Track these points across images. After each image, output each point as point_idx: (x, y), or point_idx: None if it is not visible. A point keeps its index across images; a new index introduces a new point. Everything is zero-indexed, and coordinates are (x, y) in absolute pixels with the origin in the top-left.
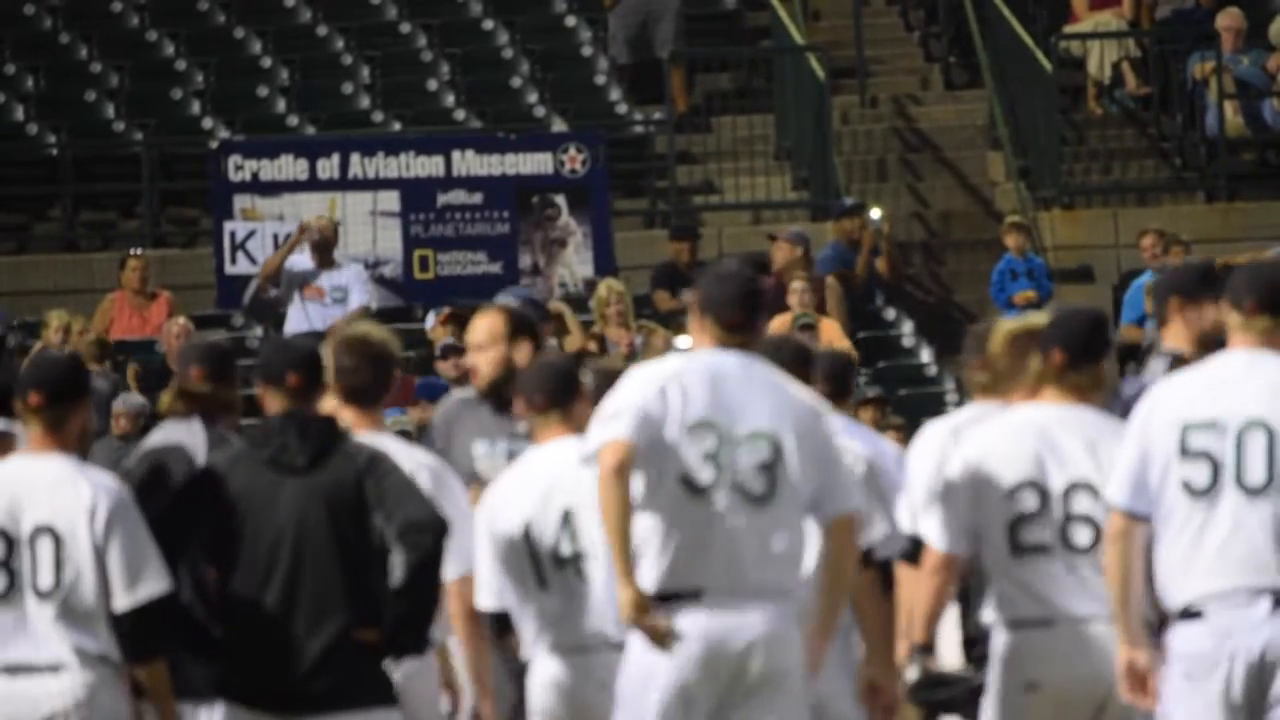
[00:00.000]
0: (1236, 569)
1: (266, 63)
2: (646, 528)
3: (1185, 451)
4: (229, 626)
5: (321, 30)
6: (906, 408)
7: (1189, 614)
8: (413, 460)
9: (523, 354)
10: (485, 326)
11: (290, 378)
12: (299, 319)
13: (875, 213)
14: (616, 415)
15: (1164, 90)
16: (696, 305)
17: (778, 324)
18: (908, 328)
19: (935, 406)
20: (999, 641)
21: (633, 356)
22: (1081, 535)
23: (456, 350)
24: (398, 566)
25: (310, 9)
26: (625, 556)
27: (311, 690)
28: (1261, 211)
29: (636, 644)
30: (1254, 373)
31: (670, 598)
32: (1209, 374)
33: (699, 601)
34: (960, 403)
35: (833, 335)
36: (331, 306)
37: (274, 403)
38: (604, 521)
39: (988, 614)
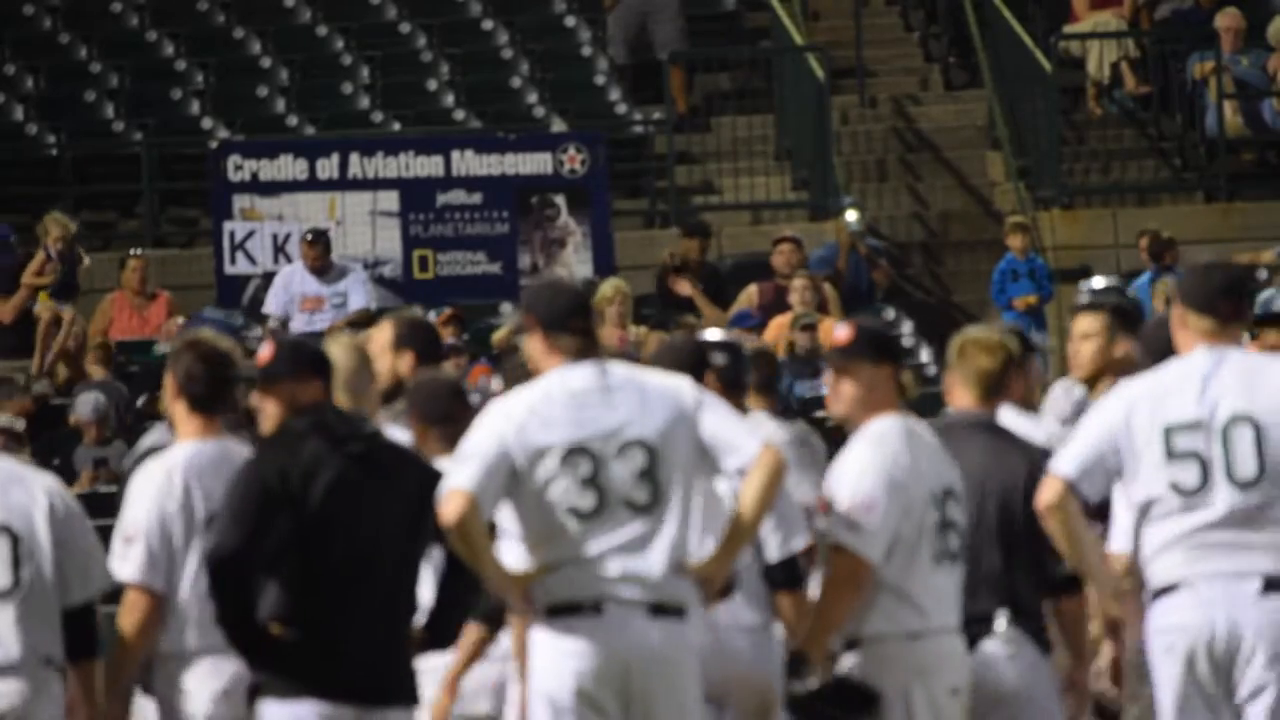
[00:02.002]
0: (1224, 554)
1: (266, 63)
2: (532, 552)
3: (1172, 454)
4: (323, 622)
5: (321, 30)
6: (906, 408)
7: (1173, 588)
8: None
9: (405, 364)
10: (376, 336)
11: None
12: (303, 329)
13: (851, 215)
14: (466, 459)
15: (1164, 90)
16: (540, 324)
17: (778, 324)
18: (907, 328)
19: (935, 407)
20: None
21: (626, 356)
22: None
23: (457, 350)
24: (445, 561)
25: (310, 9)
26: (498, 568)
27: (399, 684)
28: (1261, 211)
29: (541, 650)
30: (1223, 369)
31: (564, 610)
32: (1177, 374)
33: (598, 614)
34: None
35: (827, 335)
36: (331, 313)
37: (272, 408)
38: (465, 558)
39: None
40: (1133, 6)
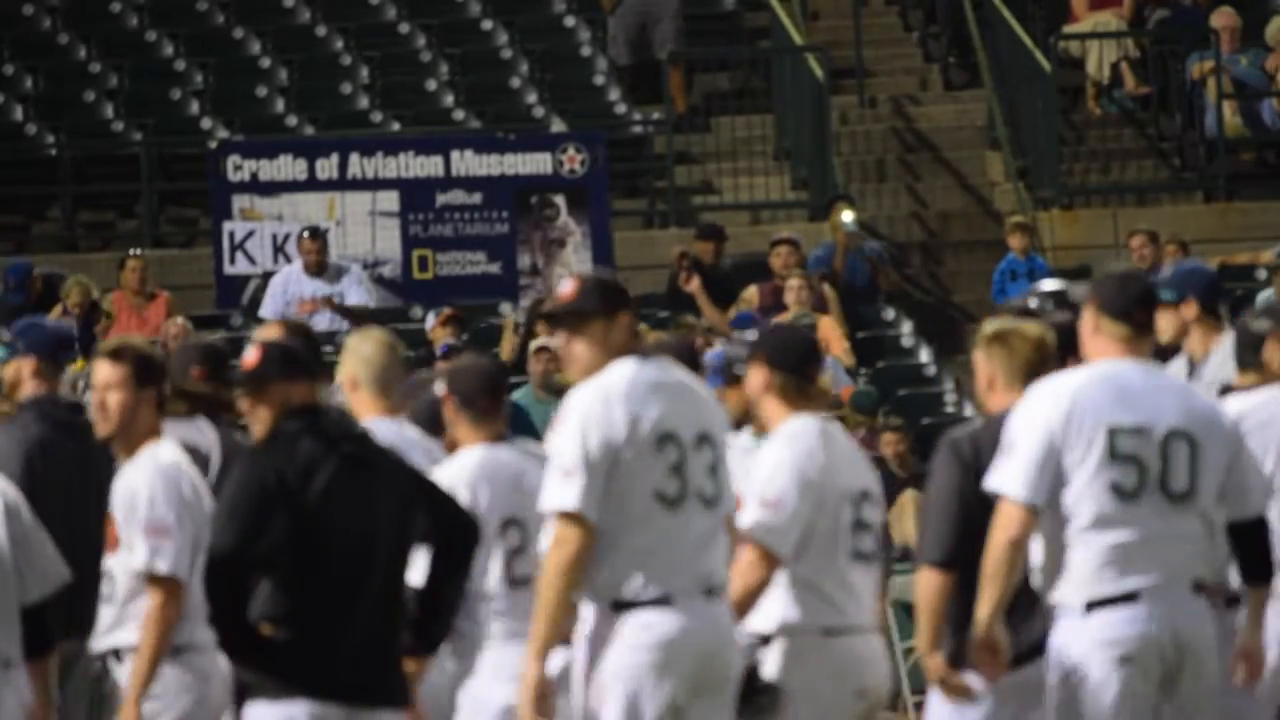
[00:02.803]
0: (1161, 565)
1: (266, 63)
2: (615, 540)
3: (1115, 455)
4: (319, 622)
5: (321, 30)
6: (906, 408)
7: (1118, 600)
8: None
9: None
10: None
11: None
12: None
13: (847, 215)
14: (570, 473)
15: (1163, 90)
16: (626, 314)
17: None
18: (907, 328)
19: (934, 406)
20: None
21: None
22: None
23: (457, 350)
24: (433, 562)
25: (310, 9)
26: (553, 633)
27: (390, 685)
28: (1260, 211)
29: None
30: (1157, 382)
31: (637, 604)
32: (1113, 380)
33: (665, 606)
34: (959, 403)
35: (830, 334)
36: (329, 315)
37: (264, 411)
38: (549, 595)
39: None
40: (1132, 6)
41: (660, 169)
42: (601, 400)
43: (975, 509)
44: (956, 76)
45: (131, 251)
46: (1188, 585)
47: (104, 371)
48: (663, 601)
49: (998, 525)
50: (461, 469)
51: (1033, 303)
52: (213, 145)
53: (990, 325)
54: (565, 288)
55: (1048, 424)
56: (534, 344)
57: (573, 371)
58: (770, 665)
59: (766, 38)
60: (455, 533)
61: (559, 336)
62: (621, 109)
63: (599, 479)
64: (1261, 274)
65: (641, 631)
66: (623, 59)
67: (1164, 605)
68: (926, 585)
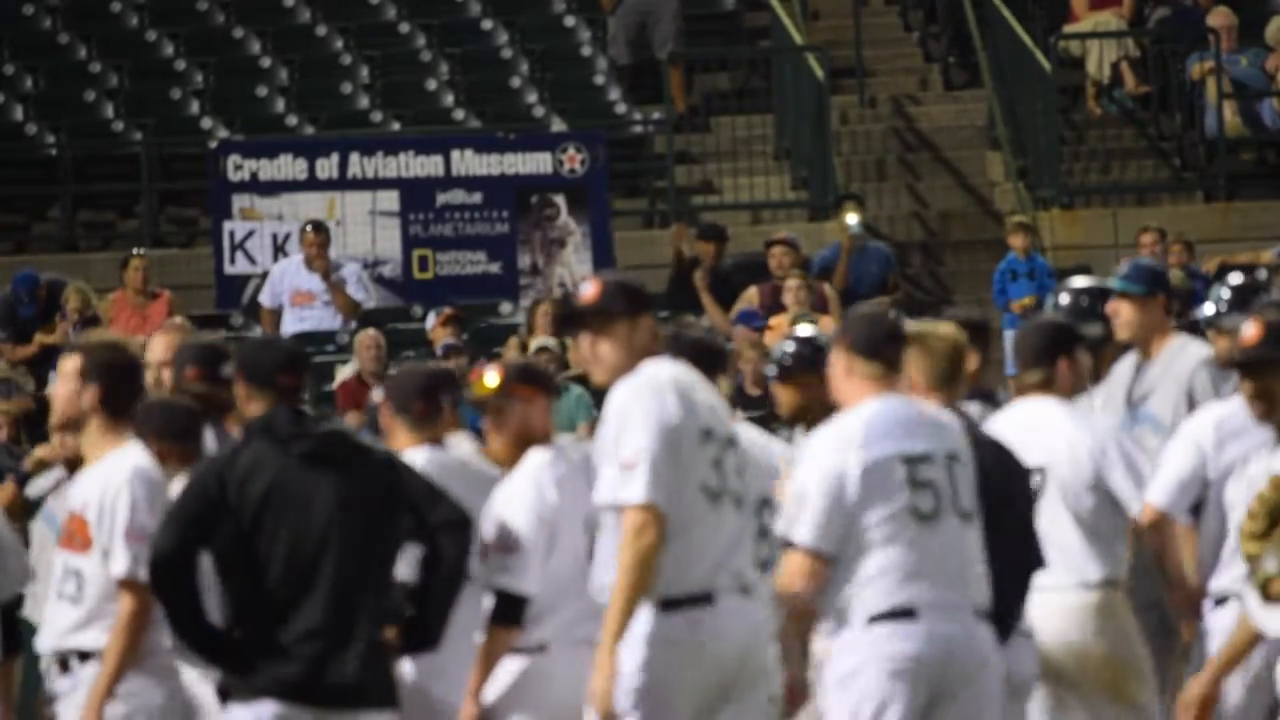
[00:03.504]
0: (946, 583)
1: (266, 63)
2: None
3: (912, 482)
4: (272, 624)
5: (321, 30)
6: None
7: (897, 614)
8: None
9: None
10: (64, 364)
11: (282, 379)
12: (294, 325)
13: (852, 218)
14: (634, 465)
15: (1163, 90)
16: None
17: (776, 324)
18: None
19: None
20: None
21: None
22: None
23: (457, 350)
24: (427, 562)
25: (310, 9)
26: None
27: (360, 685)
28: (1260, 211)
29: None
30: (919, 413)
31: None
32: (890, 415)
33: (708, 603)
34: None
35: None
36: (323, 309)
37: (259, 404)
38: (629, 585)
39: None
40: (1133, 6)
41: (660, 169)
42: (653, 391)
43: None
44: (957, 76)
45: (134, 251)
46: (970, 605)
47: (64, 363)
48: (705, 599)
49: (788, 573)
50: None
51: (1064, 299)
52: (213, 145)
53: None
54: (588, 289)
55: (836, 469)
56: (534, 343)
57: (598, 373)
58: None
59: (766, 37)
60: (446, 531)
61: (583, 338)
62: (622, 109)
63: (666, 468)
64: (1262, 274)
65: (686, 630)
66: (623, 59)
67: (943, 623)
68: None
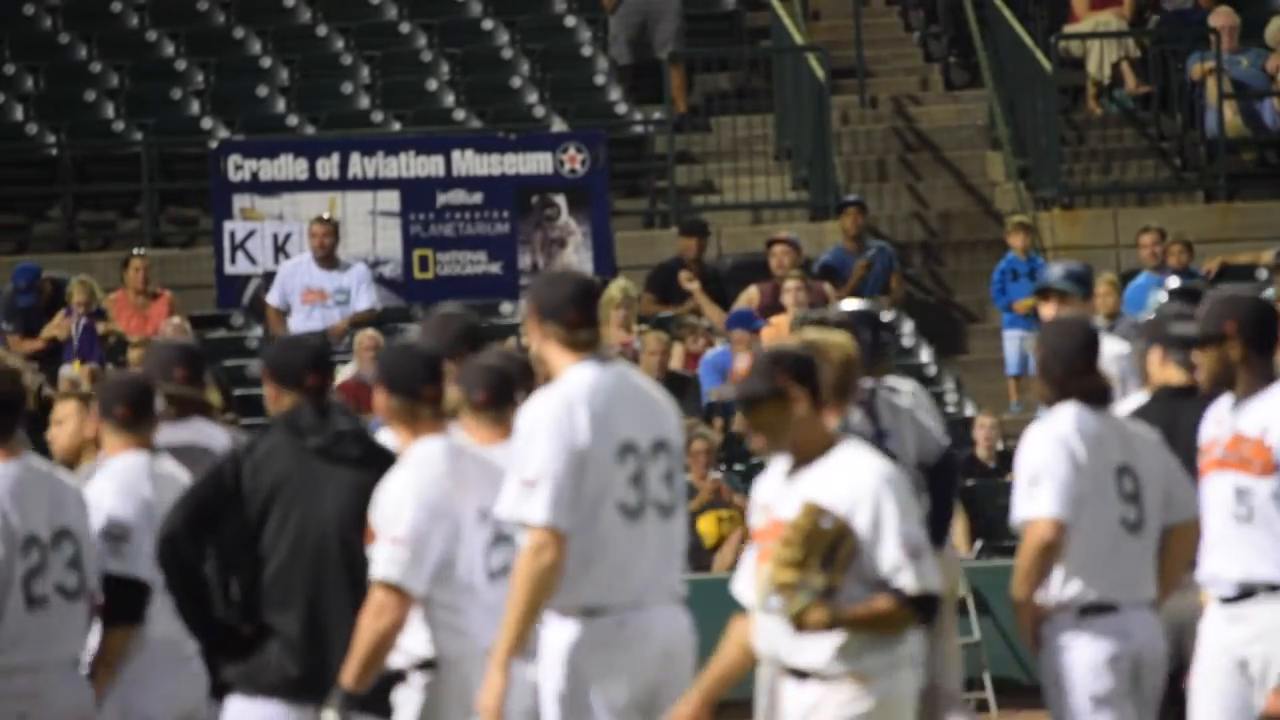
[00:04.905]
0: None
1: (266, 63)
2: (578, 546)
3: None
4: (277, 618)
5: (321, 30)
6: None
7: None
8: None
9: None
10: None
11: (309, 377)
12: (303, 324)
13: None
14: (537, 483)
15: (1163, 90)
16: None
17: (777, 324)
18: (908, 328)
19: (935, 406)
20: None
21: (633, 359)
22: None
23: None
24: None
25: (310, 9)
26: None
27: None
28: (1261, 211)
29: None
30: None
31: (598, 611)
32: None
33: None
34: (960, 402)
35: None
36: (334, 309)
37: (287, 403)
38: (523, 603)
39: None
40: (1133, 6)
41: (661, 169)
42: (565, 408)
43: None
44: (957, 76)
45: (135, 251)
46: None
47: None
48: (635, 607)
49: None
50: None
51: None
52: (213, 145)
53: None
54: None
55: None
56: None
57: (543, 374)
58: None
59: (767, 37)
60: None
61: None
62: (622, 109)
63: (569, 489)
64: (1262, 274)
65: (613, 631)
66: (623, 59)
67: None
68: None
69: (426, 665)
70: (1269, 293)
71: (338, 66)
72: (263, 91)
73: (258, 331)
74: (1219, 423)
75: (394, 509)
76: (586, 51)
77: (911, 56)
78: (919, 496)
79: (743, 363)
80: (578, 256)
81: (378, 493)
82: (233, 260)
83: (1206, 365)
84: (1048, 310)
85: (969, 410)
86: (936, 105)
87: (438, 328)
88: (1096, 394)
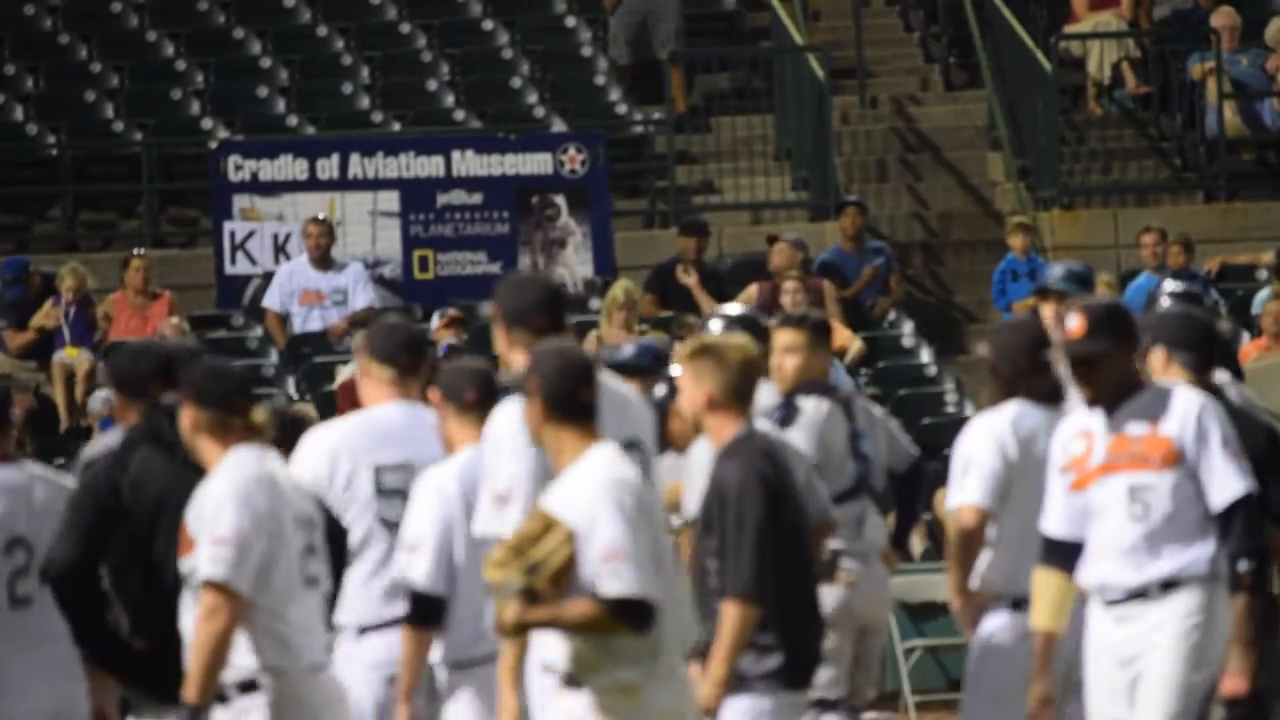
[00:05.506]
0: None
1: (266, 63)
2: None
3: (381, 491)
4: (173, 632)
5: (321, 30)
6: (906, 408)
7: (387, 626)
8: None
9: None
10: None
11: (154, 388)
12: (302, 325)
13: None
14: (507, 499)
15: (1163, 90)
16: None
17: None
18: (908, 328)
19: (935, 406)
20: None
21: None
22: None
23: (459, 352)
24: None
25: (310, 9)
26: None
27: None
28: (1261, 211)
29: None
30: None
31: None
32: (378, 422)
33: None
34: (960, 403)
35: (835, 333)
36: (331, 309)
37: (132, 413)
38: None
39: None
40: (1133, 6)
41: (661, 169)
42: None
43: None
44: (957, 76)
45: (135, 251)
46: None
47: None
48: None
49: None
50: None
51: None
52: (213, 145)
53: (696, 339)
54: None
55: (314, 465)
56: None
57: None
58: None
59: (767, 38)
60: (336, 545)
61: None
62: (622, 109)
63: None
64: (1262, 274)
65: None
66: (623, 59)
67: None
68: (741, 618)
69: (249, 685)
70: (1266, 292)
71: (338, 66)
72: (263, 91)
73: (258, 331)
74: (1083, 435)
75: (214, 512)
76: (586, 51)
77: (911, 57)
78: (885, 501)
79: None
80: (578, 257)
81: (195, 499)
82: (233, 260)
83: (1101, 380)
84: (1047, 310)
85: (969, 410)
86: (936, 105)
87: (386, 335)
88: (1044, 393)
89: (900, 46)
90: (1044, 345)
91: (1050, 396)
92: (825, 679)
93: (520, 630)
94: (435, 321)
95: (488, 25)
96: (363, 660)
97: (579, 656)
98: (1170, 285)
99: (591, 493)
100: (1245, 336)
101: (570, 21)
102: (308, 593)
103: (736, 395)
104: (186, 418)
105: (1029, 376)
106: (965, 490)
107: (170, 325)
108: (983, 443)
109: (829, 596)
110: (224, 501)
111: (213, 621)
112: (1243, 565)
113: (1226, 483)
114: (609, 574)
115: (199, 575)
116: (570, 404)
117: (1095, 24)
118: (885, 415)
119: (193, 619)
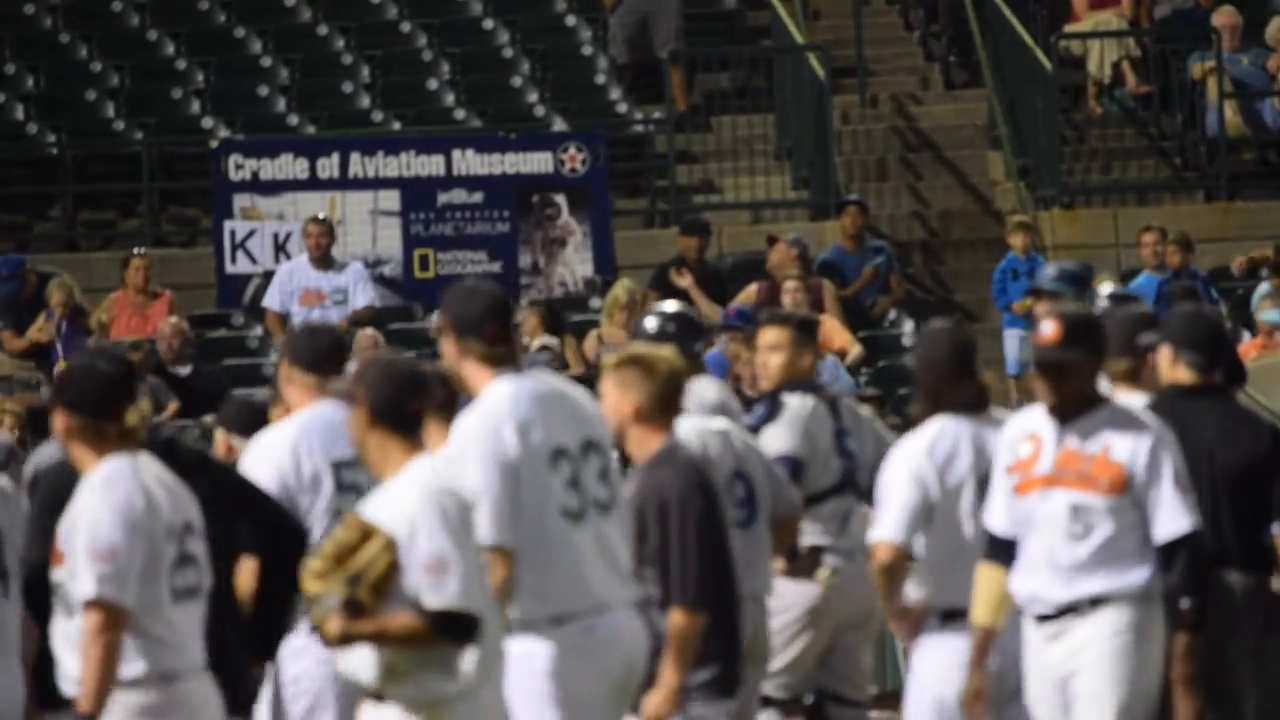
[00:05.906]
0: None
1: (266, 62)
2: (531, 557)
3: (340, 487)
4: None
5: (321, 30)
6: (906, 408)
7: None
8: None
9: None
10: None
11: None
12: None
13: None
14: (500, 511)
15: (1164, 90)
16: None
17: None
18: (908, 328)
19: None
20: None
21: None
22: None
23: None
24: (261, 569)
25: (310, 9)
26: None
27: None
28: (1261, 211)
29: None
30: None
31: (564, 620)
32: (325, 420)
33: (599, 613)
34: None
35: (835, 333)
36: (332, 309)
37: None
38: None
39: None
40: (1133, 6)
41: (661, 168)
42: (490, 425)
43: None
44: (957, 76)
45: (135, 250)
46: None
47: None
48: (597, 610)
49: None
50: None
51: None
52: (214, 144)
53: (621, 351)
54: None
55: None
56: (535, 342)
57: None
58: None
59: (767, 37)
60: (279, 540)
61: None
62: (622, 108)
63: (507, 503)
64: (1263, 273)
65: (577, 639)
66: (623, 58)
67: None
68: (688, 625)
69: (133, 683)
70: (1265, 287)
71: (338, 66)
72: (263, 91)
73: (258, 331)
74: (1030, 438)
75: (90, 526)
76: (586, 51)
77: (912, 56)
78: (871, 498)
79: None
80: (578, 256)
81: (69, 512)
82: (233, 260)
83: (1068, 390)
84: (1042, 311)
85: None
86: (936, 105)
87: (307, 341)
88: (967, 401)
89: (900, 45)
90: (967, 352)
91: (974, 405)
92: (777, 682)
93: (344, 643)
94: (435, 321)
95: (488, 24)
96: (317, 655)
97: (389, 665)
98: (1107, 288)
99: (414, 501)
100: (1245, 335)
101: (570, 21)
102: (179, 605)
103: (663, 407)
104: (59, 423)
105: (952, 384)
106: (882, 525)
107: (169, 324)
108: (899, 476)
109: (804, 593)
110: (99, 515)
111: (101, 639)
112: (1185, 603)
113: (1173, 518)
114: (432, 586)
115: (82, 594)
116: (394, 414)
117: (1095, 23)
118: (873, 416)
119: (64, 629)
